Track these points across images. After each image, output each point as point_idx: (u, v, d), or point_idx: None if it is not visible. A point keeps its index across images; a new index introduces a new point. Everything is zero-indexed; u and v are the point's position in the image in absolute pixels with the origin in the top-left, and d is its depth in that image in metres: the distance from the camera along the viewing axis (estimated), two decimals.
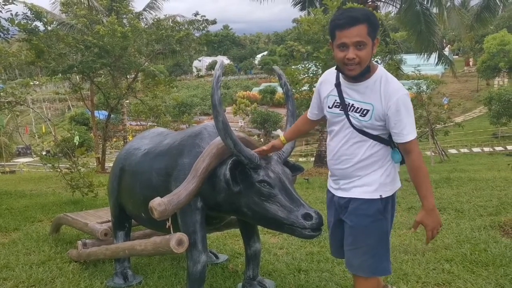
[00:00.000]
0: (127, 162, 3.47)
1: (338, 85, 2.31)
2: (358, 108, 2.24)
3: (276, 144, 2.64)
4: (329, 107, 2.36)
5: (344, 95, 2.28)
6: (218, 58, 65.76)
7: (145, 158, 3.28)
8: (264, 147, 2.64)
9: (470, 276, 3.30)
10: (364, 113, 2.22)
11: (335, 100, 2.31)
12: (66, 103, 49.90)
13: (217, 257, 4.02)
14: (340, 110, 2.30)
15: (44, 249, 4.60)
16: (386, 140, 2.28)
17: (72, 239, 4.96)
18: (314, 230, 2.39)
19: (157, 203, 2.52)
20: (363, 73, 2.17)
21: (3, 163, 23.92)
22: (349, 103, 2.27)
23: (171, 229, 2.65)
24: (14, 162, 26.39)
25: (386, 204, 2.30)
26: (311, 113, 2.59)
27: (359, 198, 2.31)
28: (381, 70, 2.23)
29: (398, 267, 3.55)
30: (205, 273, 2.83)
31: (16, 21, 6.90)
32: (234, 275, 3.57)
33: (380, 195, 2.28)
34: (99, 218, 4.52)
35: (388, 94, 2.16)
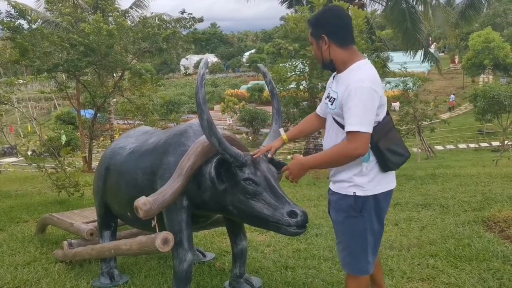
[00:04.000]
0: (113, 162, 3.45)
1: (333, 77, 2.45)
2: (330, 96, 2.37)
3: (275, 145, 2.66)
4: (325, 98, 2.49)
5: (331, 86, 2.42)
6: (205, 56, 65.55)
7: (130, 157, 3.26)
8: (263, 149, 2.66)
9: (454, 270, 3.35)
10: (331, 101, 2.34)
11: (329, 91, 2.44)
12: (52, 102, 49.25)
13: (204, 255, 4.02)
14: (325, 99, 2.48)
15: (29, 250, 4.56)
16: None
17: (58, 239, 4.92)
18: (299, 227, 2.41)
19: (142, 202, 2.51)
20: (326, 65, 2.38)
21: None
22: (329, 93, 2.41)
23: (157, 228, 2.64)
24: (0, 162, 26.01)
25: (364, 203, 2.29)
26: (320, 107, 2.64)
27: (336, 193, 2.38)
28: (357, 63, 2.28)
29: (384, 263, 3.59)
30: (191, 271, 2.83)
31: None
32: (221, 273, 3.58)
33: (354, 192, 2.29)
34: (85, 218, 4.49)
35: (348, 81, 2.22)
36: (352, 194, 2.30)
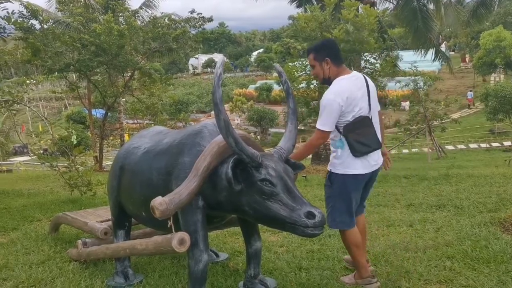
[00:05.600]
0: (127, 161, 3.45)
1: None
2: None
3: None
4: None
5: None
6: (214, 56, 65.67)
7: (145, 157, 3.26)
8: None
9: (472, 273, 3.30)
10: None
11: None
12: (62, 101, 49.65)
13: (217, 255, 4.00)
14: None
15: (43, 249, 4.58)
16: (338, 129, 3.10)
17: (71, 238, 4.94)
18: (317, 228, 2.39)
19: (159, 203, 2.50)
20: (325, 81, 3.22)
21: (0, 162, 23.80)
22: None
23: (173, 228, 2.63)
24: (11, 161, 26.27)
25: (335, 178, 3.19)
26: None
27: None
28: (338, 78, 3.13)
29: (400, 265, 3.55)
30: (206, 272, 2.82)
31: (12, 20, 6.83)
32: (235, 274, 3.56)
33: (330, 169, 3.23)
34: (98, 217, 4.50)
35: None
36: (329, 170, 3.25)
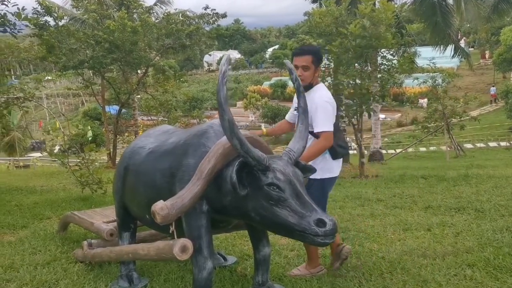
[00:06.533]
0: (131, 161, 3.33)
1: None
2: None
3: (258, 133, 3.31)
4: (294, 110, 3.50)
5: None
6: (229, 53, 65.53)
7: (149, 157, 3.13)
8: None
9: (495, 283, 3.10)
10: None
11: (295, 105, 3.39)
12: (79, 98, 50.21)
13: (225, 259, 3.86)
14: (294, 110, 3.44)
15: (50, 249, 4.51)
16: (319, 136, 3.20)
17: (79, 237, 4.86)
18: (327, 237, 2.23)
19: (160, 207, 2.36)
20: (307, 87, 3.25)
21: (17, 158, 24.10)
22: (296, 106, 3.33)
23: (175, 234, 2.49)
24: (29, 156, 26.60)
25: (313, 183, 3.26)
26: (289, 116, 3.63)
27: None
28: (318, 86, 3.35)
29: (417, 273, 3.36)
30: (211, 280, 2.68)
31: (23, 15, 6.78)
32: (242, 280, 3.42)
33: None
34: (105, 217, 4.41)
35: (313, 99, 3.18)
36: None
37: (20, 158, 24.36)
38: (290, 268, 3.63)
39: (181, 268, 3.74)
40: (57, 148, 11.13)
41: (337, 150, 3.30)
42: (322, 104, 3.18)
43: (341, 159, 3.44)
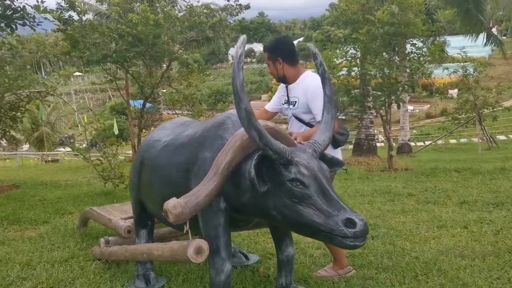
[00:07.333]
0: (147, 155, 3.16)
1: (286, 87, 3.34)
2: (291, 101, 3.28)
3: None
4: (282, 103, 3.40)
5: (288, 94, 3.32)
6: (254, 46, 65.25)
7: (164, 151, 2.95)
8: None
9: None
10: (293, 104, 3.25)
11: (284, 98, 3.36)
12: (107, 93, 51.01)
13: (247, 258, 3.65)
14: (284, 103, 3.38)
15: (69, 245, 4.42)
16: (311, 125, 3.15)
17: (99, 234, 4.75)
18: (358, 239, 1.98)
19: (172, 205, 2.17)
20: (280, 79, 3.30)
21: (46, 153, 24.61)
22: (287, 99, 3.32)
23: (190, 234, 2.30)
24: (58, 151, 27.13)
25: None
26: (271, 105, 3.52)
27: None
28: (305, 74, 3.25)
29: (455, 275, 3.07)
30: (229, 283, 2.47)
31: (41, 8, 6.71)
32: (265, 281, 3.20)
33: None
34: (124, 213, 4.29)
35: (305, 87, 3.13)
36: None
37: (49, 152, 24.85)
38: (316, 268, 3.39)
39: (201, 268, 3.55)
40: (84, 144, 11.25)
41: (338, 138, 3.20)
42: (320, 92, 2.91)
43: (340, 148, 3.34)
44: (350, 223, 1.98)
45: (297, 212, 2.09)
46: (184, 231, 2.31)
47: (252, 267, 3.52)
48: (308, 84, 3.12)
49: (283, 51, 3.22)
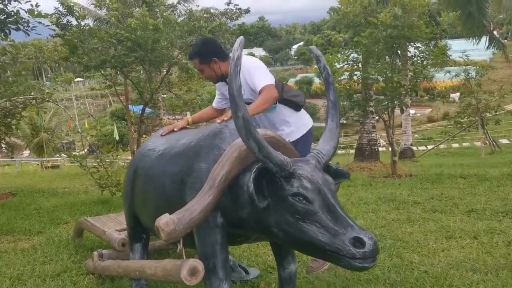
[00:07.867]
0: (141, 165, 2.99)
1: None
2: None
3: (179, 124, 3.15)
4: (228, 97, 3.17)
5: None
6: (254, 50, 65.23)
7: (159, 160, 2.78)
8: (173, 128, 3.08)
9: None
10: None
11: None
12: (107, 99, 51.01)
13: (247, 272, 3.47)
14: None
15: (62, 257, 4.24)
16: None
17: (94, 245, 4.58)
18: (366, 260, 1.81)
19: (165, 222, 2.00)
20: (220, 79, 3.24)
21: (46, 159, 24.47)
22: None
23: (183, 253, 2.12)
24: (58, 157, 27.00)
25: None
26: (216, 102, 3.47)
27: None
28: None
29: None
30: None
31: (36, 12, 6.56)
32: None
33: (298, 138, 3.30)
34: (119, 224, 4.12)
35: (242, 71, 2.73)
36: (296, 139, 3.27)
37: (49, 158, 24.72)
38: (320, 284, 3.21)
39: (198, 286, 3.37)
40: (84, 150, 11.11)
41: (294, 100, 3.28)
42: (251, 65, 3.04)
43: (303, 109, 3.42)
44: (358, 242, 1.81)
45: (300, 230, 1.92)
46: (178, 250, 2.14)
47: (253, 282, 3.34)
48: (244, 64, 3.06)
49: (215, 50, 3.21)
